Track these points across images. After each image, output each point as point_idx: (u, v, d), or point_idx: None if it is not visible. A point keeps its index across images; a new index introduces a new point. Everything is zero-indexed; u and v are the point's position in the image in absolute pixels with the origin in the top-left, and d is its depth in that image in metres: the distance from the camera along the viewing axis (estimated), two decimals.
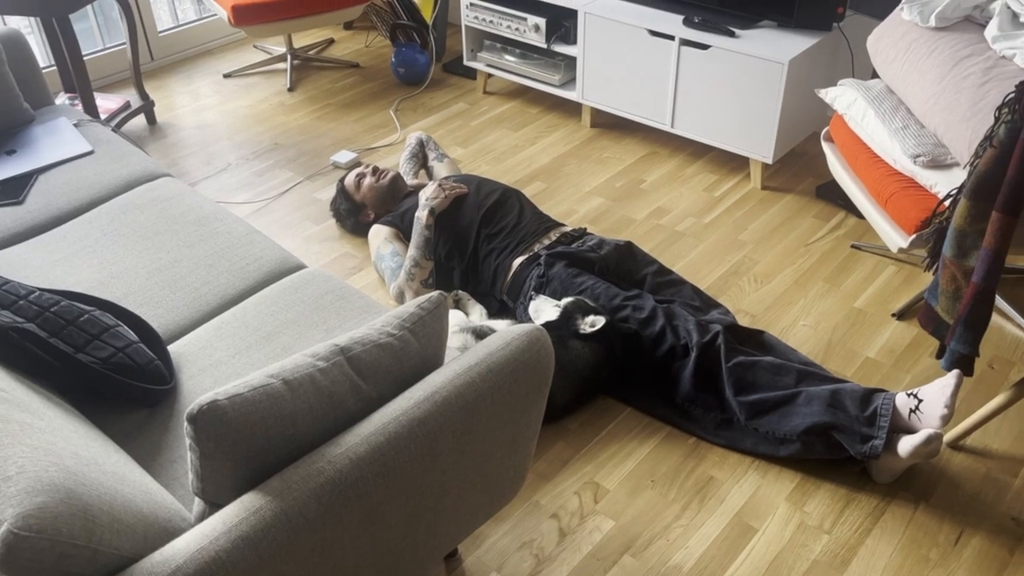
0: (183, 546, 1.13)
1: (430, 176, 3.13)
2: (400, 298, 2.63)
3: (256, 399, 1.21)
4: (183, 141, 3.62)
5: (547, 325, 2.27)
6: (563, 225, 2.70)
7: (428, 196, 2.68)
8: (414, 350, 1.42)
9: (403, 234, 2.77)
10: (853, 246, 2.90)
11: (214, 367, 1.76)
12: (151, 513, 1.20)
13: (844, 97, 2.63)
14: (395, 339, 1.41)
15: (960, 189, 2.01)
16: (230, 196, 3.25)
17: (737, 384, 2.17)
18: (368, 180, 2.90)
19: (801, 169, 3.33)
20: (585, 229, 2.67)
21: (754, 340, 2.36)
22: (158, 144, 3.60)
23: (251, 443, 1.20)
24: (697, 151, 3.46)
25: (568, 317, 2.26)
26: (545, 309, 2.33)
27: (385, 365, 1.38)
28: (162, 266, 2.04)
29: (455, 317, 2.49)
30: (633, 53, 3.29)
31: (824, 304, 2.66)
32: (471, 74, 4.06)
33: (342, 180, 2.98)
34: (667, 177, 3.32)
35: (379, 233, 2.79)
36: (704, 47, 3.09)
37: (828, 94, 2.71)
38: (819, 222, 3.04)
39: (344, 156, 3.45)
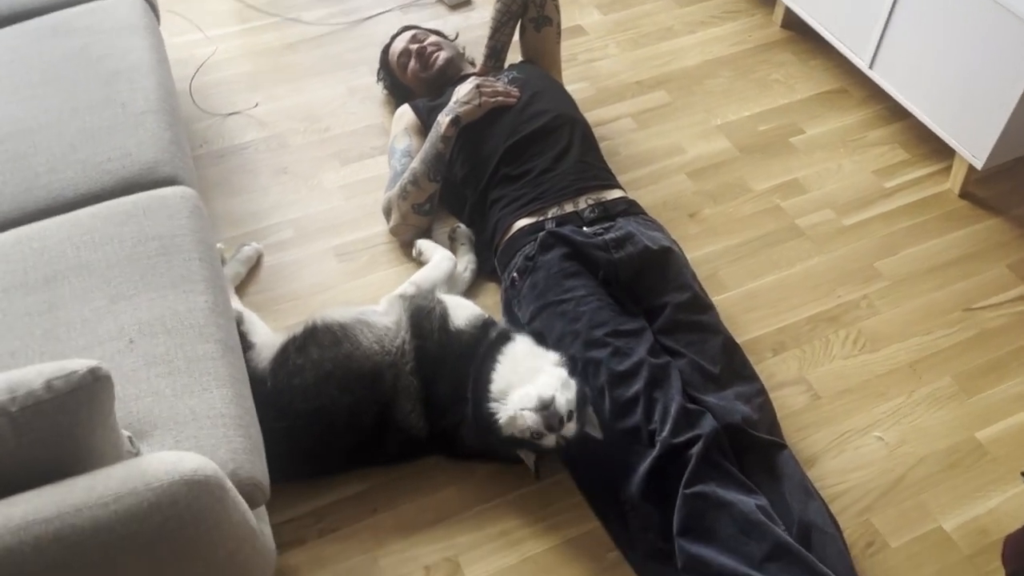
0: None
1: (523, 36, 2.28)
2: (388, 214, 2.10)
3: None
4: None
5: (502, 433, 1.55)
6: (611, 186, 1.98)
7: (459, 98, 2.04)
8: (5, 452, 0.96)
9: (427, 130, 2.17)
10: None
11: None
12: None
13: None
14: None
15: None
16: (306, 8, 2.75)
17: (688, 521, 1.51)
18: (412, 67, 2.27)
19: None
20: (632, 204, 1.95)
21: (762, 457, 1.63)
22: None
23: None
24: (896, 111, 2.43)
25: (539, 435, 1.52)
26: (526, 399, 1.52)
27: None
28: (25, 129, 1.64)
29: (432, 264, 1.94)
30: None
31: (931, 417, 1.81)
32: None
33: (386, 50, 2.37)
34: (837, 135, 2.39)
35: (401, 118, 2.22)
36: None
37: None
38: (1011, 276, 2.06)
39: None
